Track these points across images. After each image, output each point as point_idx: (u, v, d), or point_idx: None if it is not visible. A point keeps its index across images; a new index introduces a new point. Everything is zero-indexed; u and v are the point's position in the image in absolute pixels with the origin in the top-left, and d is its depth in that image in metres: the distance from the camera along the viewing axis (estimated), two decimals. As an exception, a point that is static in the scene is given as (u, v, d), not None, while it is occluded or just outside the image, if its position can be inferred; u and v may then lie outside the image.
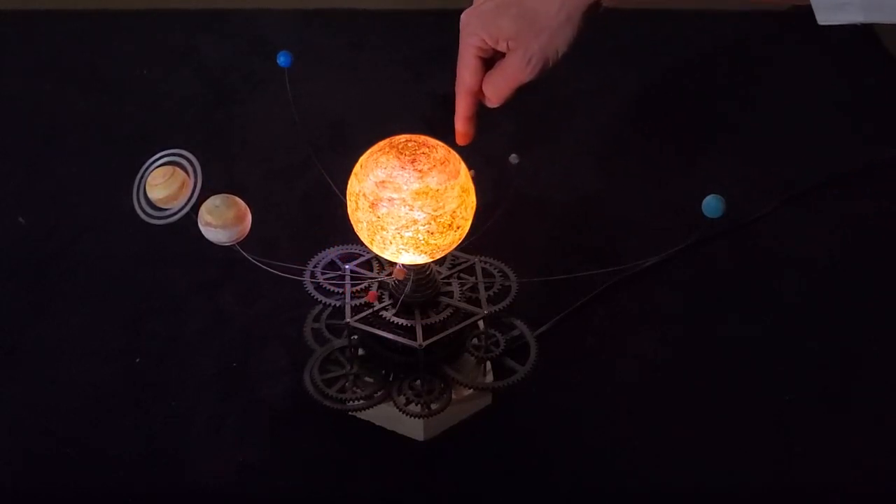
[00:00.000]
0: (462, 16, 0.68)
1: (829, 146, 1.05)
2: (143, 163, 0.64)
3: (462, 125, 0.71)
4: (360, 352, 0.76)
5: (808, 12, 0.61)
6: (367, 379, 0.75)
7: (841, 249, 0.93)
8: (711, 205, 0.60)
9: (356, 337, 0.75)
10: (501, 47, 0.67)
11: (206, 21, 1.26)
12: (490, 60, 0.69)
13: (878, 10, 0.61)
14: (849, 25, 0.61)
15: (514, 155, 0.73)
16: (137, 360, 0.82)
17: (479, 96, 0.70)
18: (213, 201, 0.64)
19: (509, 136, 1.06)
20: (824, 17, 0.62)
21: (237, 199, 0.65)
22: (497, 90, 0.69)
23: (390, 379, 0.74)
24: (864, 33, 1.22)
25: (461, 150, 0.69)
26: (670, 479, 0.73)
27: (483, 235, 0.73)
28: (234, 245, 0.65)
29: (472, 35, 0.68)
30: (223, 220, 0.64)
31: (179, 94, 1.14)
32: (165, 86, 1.15)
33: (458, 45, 0.69)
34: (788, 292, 0.88)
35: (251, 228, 0.66)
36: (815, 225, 0.96)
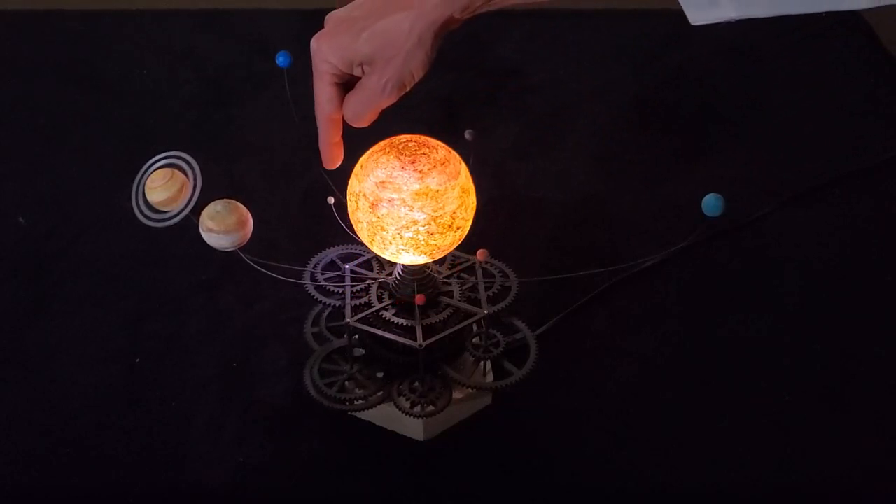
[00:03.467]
0: (312, 42, 0.66)
1: (830, 146, 1.05)
2: (143, 163, 0.64)
3: (327, 150, 0.69)
4: (361, 352, 0.76)
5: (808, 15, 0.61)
6: (367, 379, 0.75)
7: (841, 249, 0.93)
8: (711, 203, 0.60)
9: (356, 337, 0.75)
10: (357, 72, 0.65)
11: (206, 21, 1.26)
12: (347, 84, 0.67)
13: (750, 4, 0.61)
14: (850, 27, 0.60)
15: (469, 130, 0.72)
16: (137, 360, 0.82)
17: (340, 121, 0.68)
18: (215, 206, 0.64)
19: (509, 137, 1.06)
20: (696, 17, 0.61)
21: (238, 203, 0.65)
22: (356, 114, 0.66)
23: (390, 379, 0.74)
24: (865, 34, 1.22)
25: (461, 150, 0.69)
26: (670, 479, 0.73)
27: (483, 235, 0.73)
28: (235, 250, 0.65)
29: (324, 62, 0.65)
30: (225, 226, 0.64)
31: (179, 94, 1.14)
32: (165, 86, 1.16)
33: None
34: (788, 292, 0.88)
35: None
36: (815, 225, 0.96)
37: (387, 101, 0.65)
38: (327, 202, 0.73)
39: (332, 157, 0.69)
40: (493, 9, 0.63)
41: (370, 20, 0.63)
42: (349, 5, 0.66)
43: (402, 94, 0.65)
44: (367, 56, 0.63)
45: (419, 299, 0.71)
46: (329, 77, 0.66)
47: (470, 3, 0.62)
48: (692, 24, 0.60)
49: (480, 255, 0.70)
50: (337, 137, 0.69)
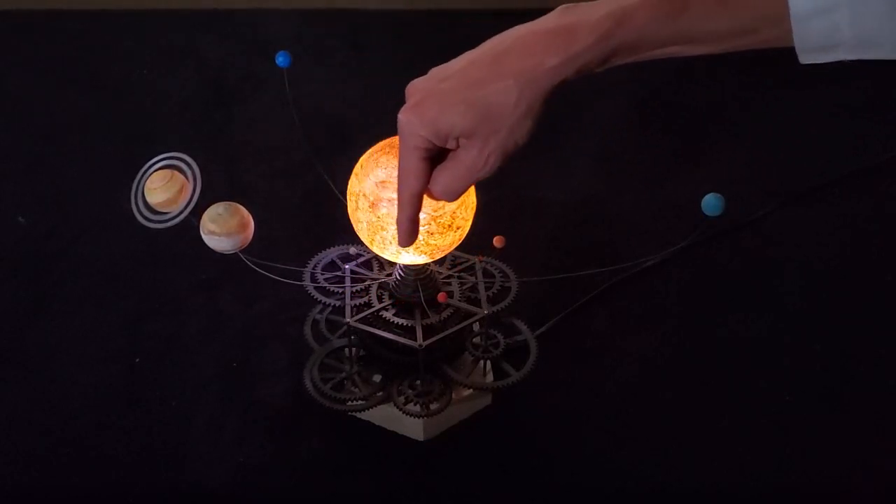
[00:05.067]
0: (399, 115, 0.59)
1: (830, 146, 1.05)
2: (143, 163, 0.64)
3: (406, 228, 0.63)
4: (361, 352, 0.76)
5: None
6: (367, 379, 0.75)
7: (841, 249, 0.93)
8: (711, 203, 0.60)
9: (356, 337, 0.75)
10: (451, 145, 0.59)
11: (206, 21, 1.26)
12: (436, 158, 0.61)
13: (870, 48, 0.57)
14: None
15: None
16: (137, 360, 0.82)
17: (423, 196, 0.62)
18: (216, 209, 0.64)
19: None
20: (807, 59, 0.56)
21: (240, 206, 0.65)
22: (449, 190, 0.61)
23: (390, 379, 0.74)
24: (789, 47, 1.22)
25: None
26: (670, 479, 0.73)
27: (483, 235, 0.73)
28: (235, 252, 0.65)
29: (415, 136, 0.58)
30: (226, 229, 0.64)
31: (179, 94, 1.14)
32: (165, 86, 1.16)
33: (465, 45, 0.60)
34: (788, 292, 0.88)
35: (251, 229, 0.66)
36: (815, 225, 0.96)
37: (486, 175, 0.60)
38: (494, 243, 0.70)
39: (412, 233, 0.64)
40: (610, 67, 0.57)
41: (469, 90, 0.57)
42: (436, 74, 0.60)
43: (502, 165, 0.59)
44: (467, 129, 0.58)
45: (441, 297, 0.71)
46: (420, 152, 0.59)
47: (582, 67, 0.56)
48: (801, 63, 0.57)
49: (497, 241, 0.69)
50: (418, 213, 0.63)
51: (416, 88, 0.60)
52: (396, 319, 0.73)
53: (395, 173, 0.65)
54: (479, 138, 0.58)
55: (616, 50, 0.55)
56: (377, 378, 0.75)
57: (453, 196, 0.61)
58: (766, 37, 0.55)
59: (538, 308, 0.83)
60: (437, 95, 0.58)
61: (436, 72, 0.60)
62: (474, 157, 0.59)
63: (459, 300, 0.74)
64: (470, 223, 0.69)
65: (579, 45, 0.55)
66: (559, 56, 0.55)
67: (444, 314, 0.73)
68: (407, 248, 0.66)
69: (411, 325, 0.72)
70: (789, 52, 1.22)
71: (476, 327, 0.77)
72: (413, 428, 0.75)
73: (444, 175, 0.60)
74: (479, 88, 0.57)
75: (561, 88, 0.57)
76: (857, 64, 1.17)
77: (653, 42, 0.56)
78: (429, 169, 0.60)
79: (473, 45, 0.59)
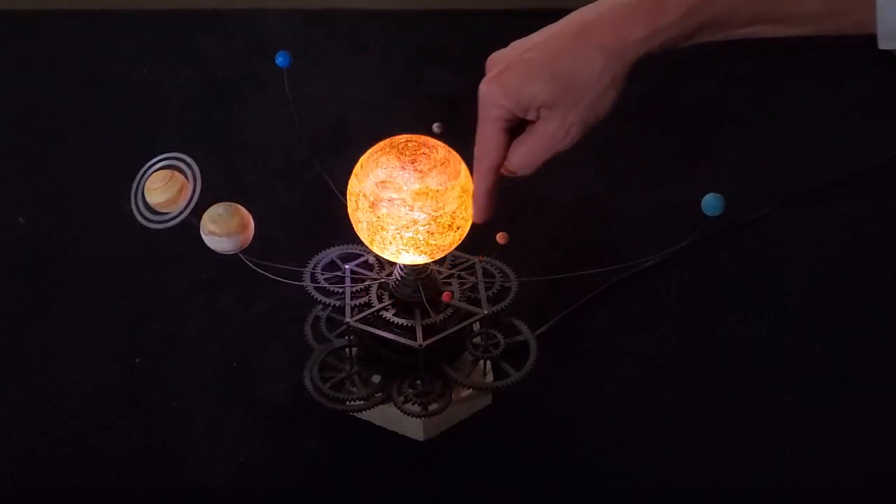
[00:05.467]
0: (481, 85, 0.59)
1: (830, 146, 1.05)
2: (143, 163, 0.64)
3: (483, 202, 0.63)
4: (361, 352, 0.76)
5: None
6: (366, 379, 0.75)
7: (841, 249, 0.93)
8: (711, 203, 0.60)
9: (356, 337, 0.75)
10: (531, 116, 0.59)
11: (206, 21, 1.26)
12: (515, 129, 0.61)
13: None
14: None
15: (437, 124, 0.69)
16: (137, 360, 0.82)
17: (500, 169, 0.62)
18: (216, 209, 0.64)
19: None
20: (888, 44, 0.54)
21: (240, 206, 0.65)
22: (527, 162, 0.60)
23: (390, 379, 0.74)
24: (865, 34, 1.22)
25: (462, 151, 0.69)
26: (670, 479, 0.73)
27: (483, 235, 0.73)
28: (236, 253, 0.65)
29: (496, 106, 0.58)
30: (227, 229, 0.64)
31: (179, 94, 1.14)
32: (165, 86, 1.16)
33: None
34: (788, 292, 0.88)
35: (250, 229, 0.66)
36: (815, 225, 0.96)
37: (566, 147, 0.60)
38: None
39: (489, 207, 0.64)
40: (693, 43, 0.57)
41: (554, 61, 0.57)
42: (519, 44, 0.59)
43: (583, 137, 0.59)
44: (549, 100, 0.57)
45: (446, 296, 0.71)
46: (500, 122, 0.59)
47: (670, 40, 0.56)
48: (879, 48, 0.57)
49: (500, 237, 0.69)
50: (495, 186, 0.63)
51: (499, 59, 0.59)
52: (396, 319, 0.73)
53: (395, 173, 0.65)
54: (561, 109, 0.58)
55: (703, 26, 0.55)
56: (377, 378, 0.75)
57: (530, 169, 0.61)
58: (851, 21, 0.54)
59: (538, 308, 0.83)
60: (520, 65, 0.58)
61: (518, 43, 0.59)
62: (555, 129, 0.58)
63: (459, 300, 0.74)
64: (470, 223, 0.69)
65: (667, 19, 0.55)
66: (645, 29, 0.55)
67: (444, 314, 0.73)
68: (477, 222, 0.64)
69: (411, 325, 0.72)
70: (790, 52, 1.22)
71: (476, 327, 0.77)
72: (413, 428, 0.75)
73: (523, 147, 0.60)
74: (563, 59, 0.57)
75: (644, 62, 0.57)
76: (858, 64, 1.17)
77: (740, 20, 0.55)
78: (508, 140, 0.60)
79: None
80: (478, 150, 0.61)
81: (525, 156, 0.60)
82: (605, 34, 0.56)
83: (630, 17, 0.56)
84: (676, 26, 0.55)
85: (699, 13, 0.54)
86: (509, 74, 0.58)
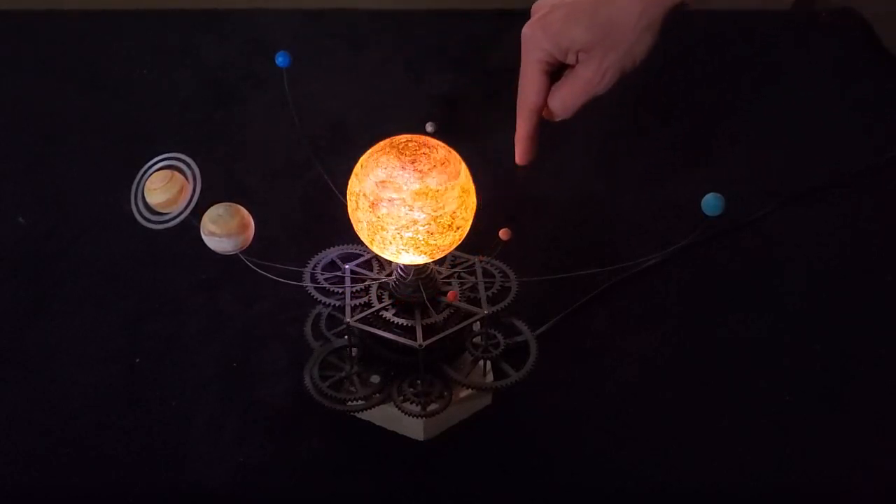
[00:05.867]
0: (524, 28, 0.62)
1: (830, 146, 1.05)
2: (143, 163, 0.64)
3: (525, 145, 0.66)
4: (360, 351, 0.76)
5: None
6: (367, 379, 0.75)
7: (841, 249, 0.93)
8: (711, 203, 0.60)
9: (356, 337, 0.75)
10: (570, 59, 0.61)
11: (206, 21, 1.26)
12: (555, 73, 0.63)
13: None
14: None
15: (430, 123, 0.70)
16: (137, 360, 0.82)
17: (541, 112, 0.64)
18: (216, 210, 0.64)
19: (509, 137, 1.06)
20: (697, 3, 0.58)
21: (240, 207, 0.65)
22: (566, 105, 0.63)
23: (390, 379, 0.74)
24: (865, 34, 1.22)
25: (462, 151, 0.69)
26: (670, 479, 0.73)
27: (483, 235, 0.73)
28: (236, 253, 0.65)
29: (538, 49, 0.61)
30: (227, 229, 0.64)
31: (179, 94, 1.14)
32: (165, 86, 1.16)
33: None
34: (788, 292, 0.88)
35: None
36: (815, 225, 0.96)
37: (603, 91, 0.62)
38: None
39: (530, 150, 0.66)
40: None
41: (594, 7, 0.59)
42: None
43: (620, 82, 0.62)
44: (587, 43, 0.60)
45: (451, 295, 0.71)
46: (541, 65, 0.62)
47: None
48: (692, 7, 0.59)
49: (503, 233, 0.70)
50: (536, 130, 0.65)
51: (543, 3, 0.62)
52: (396, 319, 0.73)
53: (395, 173, 0.65)
54: (599, 53, 0.60)
55: None
56: (377, 378, 0.75)
57: (569, 112, 0.63)
58: None
59: (538, 308, 0.83)
60: (561, 9, 0.60)
61: None
62: (593, 72, 0.61)
63: (459, 300, 0.74)
64: (470, 223, 0.69)
65: None
66: None
67: (444, 314, 0.73)
68: (522, 164, 0.67)
69: (411, 325, 0.72)
70: (790, 52, 1.22)
71: (476, 327, 0.77)
72: (413, 428, 0.75)
73: (563, 90, 0.63)
74: (602, 4, 0.59)
75: (680, 13, 0.59)
76: (858, 64, 1.18)
77: None
78: (548, 84, 0.63)
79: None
80: (520, 93, 0.64)
81: (564, 98, 0.63)
82: None
83: None
84: None
85: None
86: (551, 18, 0.61)
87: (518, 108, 0.64)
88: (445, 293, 0.74)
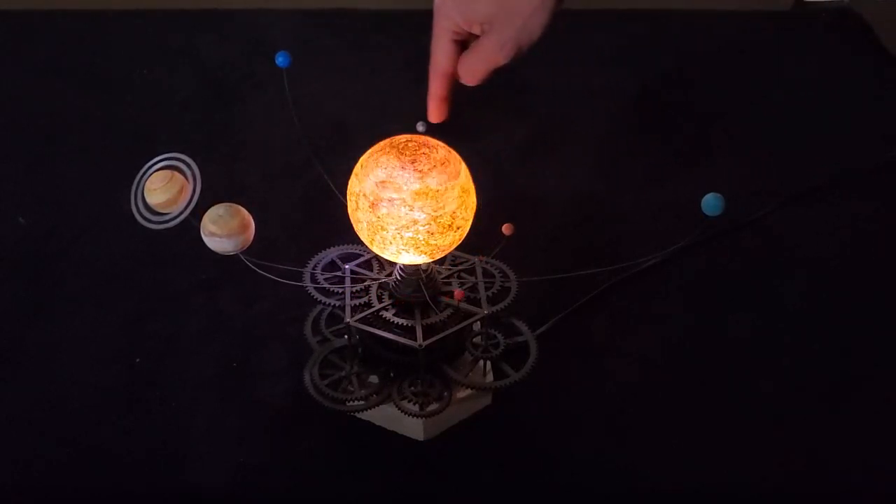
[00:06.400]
0: (436, 0, 0.69)
1: (830, 146, 1.05)
2: (143, 163, 0.64)
3: (434, 104, 0.73)
4: (360, 352, 0.76)
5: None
6: (366, 379, 0.75)
7: (841, 249, 0.93)
8: (711, 203, 0.60)
9: (356, 337, 0.75)
10: (476, 30, 0.68)
11: (206, 21, 1.26)
12: (464, 42, 0.70)
13: None
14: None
15: (420, 122, 0.71)
16: (137, 360, 0.82)
17: (453, 77, 0.71)
18: (217, 210, 0.64)
19: (509, 137, 1.07)
20: None
21: (240, 207, 0.65)
22: (471, 72, 0.70)
23: (390, 379, 0.74)
24: (865, 34, 1.22)
25: (462, 151, 0.69)
26: (670, 479, 0.73)
27: (483, 235, 0.73)
28: (236, 254, 0.65)
29: (446, 18, 0.69)
30: (227, 230, 0.64)
31: (179, 94, 1.14)
32: (165, 86, 1.16)
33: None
34: (789, 292, 0.88)
35: (250, 229, 0.66)
36: (815, 225, 0.96)
37: (502, 62, 0.68)
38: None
39: (440, 111, 0.73)
40: None
41: None
42: None
43: (519, 55, 0.68)
44: (488, 16, 0.66)
45: (458, 294, 0.71)
46: (449, 34, 0.69)
47: None
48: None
49: (506, 228, 0.70)
50: (446, 92, 0.72)
51: None
52: (396, 319, 0.73)
53: (395, 173, 0.66)
54: (498, 26, 0.66)
55: None
56: (377, 378, 0.75)
57: (475, 79, 0.70)
58: None
59: (538, 308, 0.83)
60: None
61: None
62: (492, 43, 0.68)
63: (455, 303, 0.74)
64: (470, 223, 0.69)
65: None
66: None
67: (445, 314, 0.73)
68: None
69: (411, 325, 0.72)
70: (789, 52, 1.22)
71: (476, 327, 0.77)
72: (413, 428, 0.75)
73: (468, 59, 0.70)
74: None
75: None
76: (858, 64, 1.18)
77: None
78: (457, 51, 0.70)
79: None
80: (431, 58, 0.71)
81: (468, 66, 0.70)
82: None
83: None
84: None
85: None
86: None
87: (430, 71, 0.71)
88: (446, 293, 0.74)
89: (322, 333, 0.77)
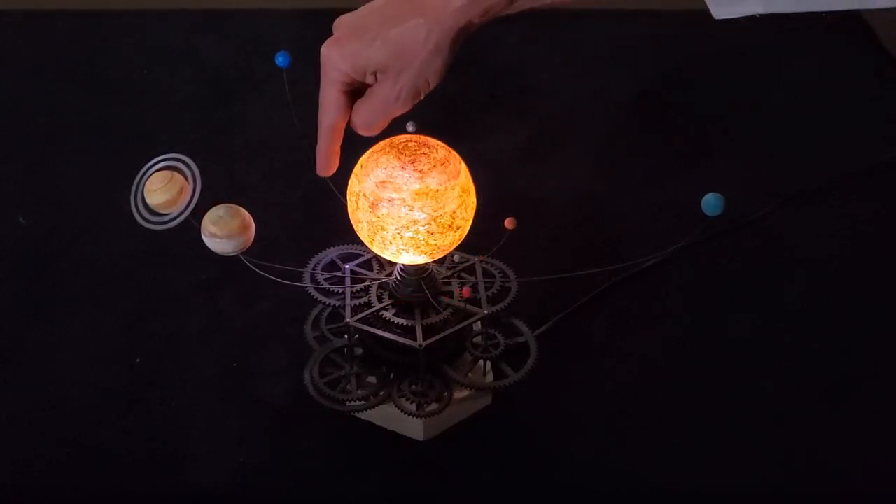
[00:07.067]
0: (322, 48, 0.64)
1: (830, 146, 1.05)
2: (143, 163, 0.64)
3: (324, 158, 0.67)
4: (360, 351, 0.76)
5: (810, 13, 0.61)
6: (367, 379, 0.75)
7: (841, 249, 0.93)
8: (711, 203, 0.60)
9: (356, 337, 0.75)
10: (369, 80, 0.63)
11: (206, 21, 1.26)
12: (355, 92, 0.65)
13: (778, 2, 0.59)
14: (850, 27, 0.60)
15: (410, 122, 0.70)
16: (137, 360, 0.82)
17: (343, 129, 0.66)
18: (217, 211, 0.64)
19: (509, 137, 1.06)
20: (719, 11, 0.59)
21: (240, 208, 0.65)
22: (367, 121, 0.65)
23: (390, 379, 0.74)
24: (865, 34, 1.22)
25: (462, 151, 0.69)
26: (670, 479, 0.73)
27: (483, 235, 0.73)
28: (237, 254, 0.65)
29: (335, 69, 0.63)
30: (228, 231, 0.64)
31: (179, 94, 1.14)
32: (165, 86, 1.15)
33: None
34: (789, 292, 0.88)
35: (250, 229, 0.66)
36: (815, 225, 0.96)
37: (400, 110, 0.64)
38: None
39: (330, 164, 0.68)
40: (512, 12, 0.61)
41: (384, 27, 0.61)
42: (360, 10, 0.63)
43: (417, 102, 0.64)
44: (381, 64, 0.62)
45: (466, 291, 0.71)
46: (339, 84, 0.64)
47: (489, 7, 0.60)
48: (715, 18, 0.59)
49: (509, 223, 0.70)
50: (337, 146, 0.67)
51: (341, 23, 0.64)
52: (396, 319, 0.73)
53: (395, 173, 0.66)
54: (392, 73, 0.61)
55: None
56: (377, 378, 0.75)
57: (371, 129, 0.65)
58: None
59: (538, 308, 0.83)
60: (357, 30, 0.62)
61: (362, 8, 0.63)
62: (388, 91, 0.62)
63: (459, 300, 0.74)
64: (470, 223, 0.69)
65: None
66: None
67: (445, 314, 0.73)
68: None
69: (411, 325, 0.72)
70: (789, 52, 1.22)
71: (476, 327, 0.77)
72: (413, 428, 0.75)
73: (363, 108, 0.64)
74: (393, 25, 0.60)
75: (471, 33, 0.61)
76: (858, 64, 1.17)
77: None
78: (348, 102, 0.64)
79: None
80: (320, 111, 0.65)
81: (364, 116, 0.65)
82: (430, 1, 0.60)
83: None
84: None
85: None
86: (346, 39, 0.63)
87: (319, 124, 0.66)
88: (446, 293, 0.74)
89: (322, 333, 0.77)
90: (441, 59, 0.61)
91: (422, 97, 0.64)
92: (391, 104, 0.63)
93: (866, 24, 1.23)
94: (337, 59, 0.63)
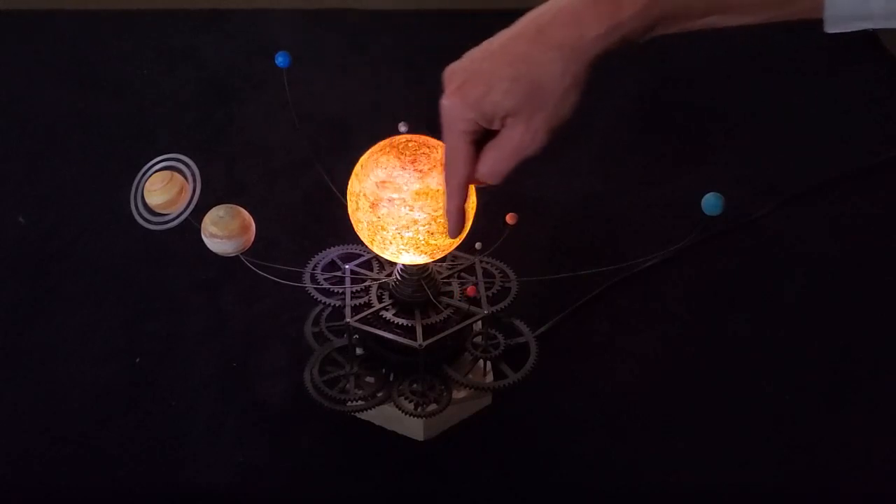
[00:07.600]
0: (443, 101, 0.58)
1: (830, 146, 1.05)
2: (143, 163, 0.64)
3: (457, 218, 0.63)
4: (360, 351, 0.76)
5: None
6: (367, 379, 0.75)
7: (841, 249, 0.93)
8: (711, 202, 0.60)
9: (356, 337, 0.75)
10: (496, 126, 0.58)
11: (206, 21, 1.26)
12: (479, 141, 0.59)
13: None
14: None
15: (402, 123, 0.69)
16: (137, 359, 0.82)
17: (471, 182, 0.62)
18: (217, 212, 0.64)
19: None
20: (836, 28, 0.54)
21: (241, 208, 0.65)
22: (496, 171, 0.59)
23: (390, 379, 0.74)
24: (865, 34, 1.22)
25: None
26: (670, 479, 0.73)
27: (483, 235, 0.73)
28: (237, 255, 0.65)
29: (462, 120, 0.57)
30: (228, 231, 0.64)
31: (179, 94, 1.14)
32: (165, 86, 1.16)
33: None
34: (789, 292, 0.88)
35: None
36: (815, 225, 0.96)
37: (534, 152, 0.58)
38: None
39: (461, 223, 0.64)
40: (651, 37, 0.56)
41: (513, 67, 0.56)
42: (472, 55, 0.58)
43: (551, 140, 0.58)
44: (513, 107, 0.56)
45: (471, 290, 0.71)
46: (467, 136, 0.58)
47: (627, 35, 0.55)
48: (826, 31, 0.55)
49: (510, 218, 0.69)
50: (465, 202, 0.62)
51: (456, 71, 0.58)
52: (396, 319, 0.73)
53: (395, 173, 0.65)
54: (525, 115, 0.57)
55: (659, 19, 0.54)
56: (376, 378, 0.75)
57: (500, 178, 0.60)
58: (800, 7, 0.53)
59: (538, 308, 0.83)
60: (479, 75, 0.57)
61: (473, 53, 0.58)
62: (521, 135, 0.57)
63: (459, 300, 0.74)
64: (470, 223, 0.69)
65: (623, 14, 0.54)
66: (603, 25, 0.54)
67: (445, 314, 0.73)
68: (453, 240, 0.65)
69: (411, 325, 0.72)
70: (789, 52, 1.22)
71: (476, 327, 0.77)
72: (413, 428, 0.75)
73: (492, 156, 0.59)
74: (522, 64, 0.56)
75: (603, 59, 0.56)
76: (858, 64, 1.17)
77: (695, 12, 0.55)
78: (476, 153, 0.59)
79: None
80: (448, 167, 0.60)
81: (494, 165, 0.59)
82: (562, 33, 0.55)
83: (586, 14, 0.55)
84: (633, 21, 0.54)
85: (654, 6, 0.54)
86: (469, 86, 0.57)
87: (447, 183, 0.61)
88: (446, 293, 0.74)
89: (322, 333, 0.77)
90: (577, 92, 0.57)
91: (556, 134, 0.58)
92: (525, 148, 0.58)
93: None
94: (462, 108, 0.57)
